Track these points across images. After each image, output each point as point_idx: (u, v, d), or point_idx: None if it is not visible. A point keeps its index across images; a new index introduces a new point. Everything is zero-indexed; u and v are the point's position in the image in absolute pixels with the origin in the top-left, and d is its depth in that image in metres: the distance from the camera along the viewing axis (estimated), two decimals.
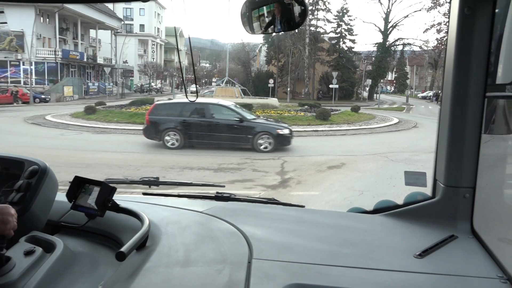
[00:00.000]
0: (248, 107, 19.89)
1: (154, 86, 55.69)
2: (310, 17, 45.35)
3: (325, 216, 1.61)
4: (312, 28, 46.40)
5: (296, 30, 48.06)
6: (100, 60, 48.15)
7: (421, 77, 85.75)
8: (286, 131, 12.40)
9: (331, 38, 47.56)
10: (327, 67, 47.51)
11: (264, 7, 1.32)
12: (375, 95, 55.83)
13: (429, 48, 51.11)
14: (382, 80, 38.21)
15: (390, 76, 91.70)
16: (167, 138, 12.08)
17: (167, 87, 60.16)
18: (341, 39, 47.15)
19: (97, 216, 1.38)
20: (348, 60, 47.15)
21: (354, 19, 47.44)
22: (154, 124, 12.38)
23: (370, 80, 47.36)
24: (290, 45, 44.75)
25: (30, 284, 1.06)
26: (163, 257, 1.16)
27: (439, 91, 53.41)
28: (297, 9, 1.29)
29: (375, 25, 51.92)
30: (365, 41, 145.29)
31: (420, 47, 50.05)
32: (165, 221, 1.42)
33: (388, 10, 48.33)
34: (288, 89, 42.13)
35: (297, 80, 48.51)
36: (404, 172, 1.68)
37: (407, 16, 52.72)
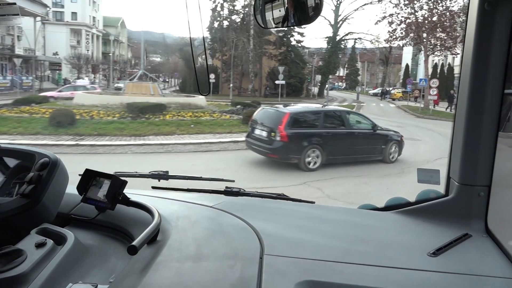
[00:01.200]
0: (160, 107, 15.92)
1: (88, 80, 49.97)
2: None
3: (335, 213, 1.60)
4: None
5: (239, 20, 44.35)
6: (19, 51, 41.97)
7: (372, 74, 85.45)
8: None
9: (278, 31, 44.16)
10: (275, 61, 44.23)
11: (277, 1, 1.31)
12: (325, 91, 53.44)
13: (380, 45, 49.07)
14: (330, 76, 35.30)
15: (342, 72, 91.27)
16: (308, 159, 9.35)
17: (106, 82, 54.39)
18: (289, 32, 43.84)
19: (107, 209, 1.38)
20: (296, 54, 44.01)
21: None
22: (294, 140, 9.35)
23: (320, 76, 44.58)
24: (233, 37, 40.90)
25: (42, 276, 1.04)
26: (174, 252, 1.14)
27: (389, 88, 52.26)
28: (311, 2, 1.28)
29: (325, 18, 49.06)
30: (315, 35, 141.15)
31: (371, 41, 47.78)
32: (175, 215, 1.39)
33: (338, 2, 45.66)
34: (231, 85, 38.27)
35: (243, 76, 44.84)
36: (417, 169, 1.64)
37: (357, 9, 49.99)
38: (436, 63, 46.49)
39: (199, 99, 19.97)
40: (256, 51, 41.70)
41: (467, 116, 1.38)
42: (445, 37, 29.94)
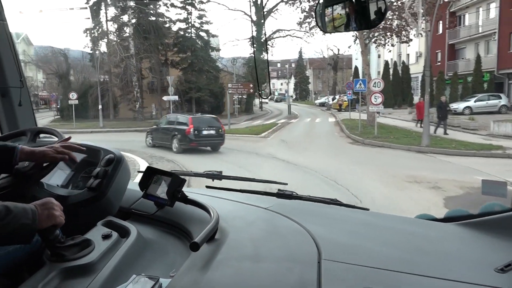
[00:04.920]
0: None
1: None
2: None
3: (392, 221, 1.53)
4: (153, 18, 31.64)
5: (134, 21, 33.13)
6: None
7: (324, 81, 77.29)
8: None
9: (181, 30, 33.25)
10: (179, 70, 33.25)
11: (339, 5, 1.32)
12: (257, 104, 42.91)
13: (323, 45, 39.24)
14: (230, 85, 24.44)
15: (292, 81, 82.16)
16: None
17: None
18: (191, 30, 32.93)
19: (166, 206, 1.44)
20: (206, 60, 33.04)
21: (207, 2, 33.36)
22: None
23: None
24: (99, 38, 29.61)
25: (109, 266, 1.11)
26: (233, 251, 1.16)
27: (336, 96, 42.31)
28: (373, 7, 1.28)
29: (245, 13, 38.78)
30: (237, 35, 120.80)
31: (301, 37, 37.87)
32: (231, 215, 1.41)
33: None
34: (100, 106, 26.72)
35: (150, 92, 33.58)
36: (481, 180, 1.60)
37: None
38: (387, 62, 36.82)
39: None
40: (143, 57, 30.37)
41: None
42: (390, 17, 19.79)
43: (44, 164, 1.41)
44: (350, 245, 1.23)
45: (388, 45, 20.91)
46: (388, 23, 19.86)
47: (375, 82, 16.41)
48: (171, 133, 14.76)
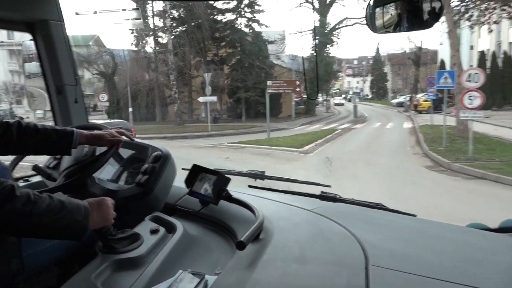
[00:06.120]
0: None
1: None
2: None
3: (441, 229, 1.46)
4: (199, 9, 28.10)
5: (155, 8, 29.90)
6: None
7: (404, 78, 69.36)
8: None
9: (229, 21, 29.29)
10: (228, 67, 29.43)
11: (390, 5, 1.31)
12: (320, 105, 37.81)
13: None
14: (270, 83, 19.52)
15: (370, 79, 75.27)
16: None
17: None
18: (240, 21, 28.77)
19: (210, 204, 1.44)
20: (257, 55, 28.69)
21: None
22: None
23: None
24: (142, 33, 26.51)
25: (157, 260, 1.14)
26: (279, 252, 1.16)
27: (415, 96, 35.22)
28: (426, 6, 1.25)
29: (307, 1, 33.58)
30: (297, 26, 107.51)
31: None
32: (276, 215, 1.41)
33: None
34: (130, 109, 23.54)
35: (201, 92, 30.27)
36: None
37: None
38: (483, 52, 29.47)
39: None
40: (185, 53, 26.83)
41: None
42: None
43: (98, 153, 1.45)
44: (398, 252, 1.18)
45: (489, 23, 14.76)
46: None
47: (470, 74, 10.68)
48: None
